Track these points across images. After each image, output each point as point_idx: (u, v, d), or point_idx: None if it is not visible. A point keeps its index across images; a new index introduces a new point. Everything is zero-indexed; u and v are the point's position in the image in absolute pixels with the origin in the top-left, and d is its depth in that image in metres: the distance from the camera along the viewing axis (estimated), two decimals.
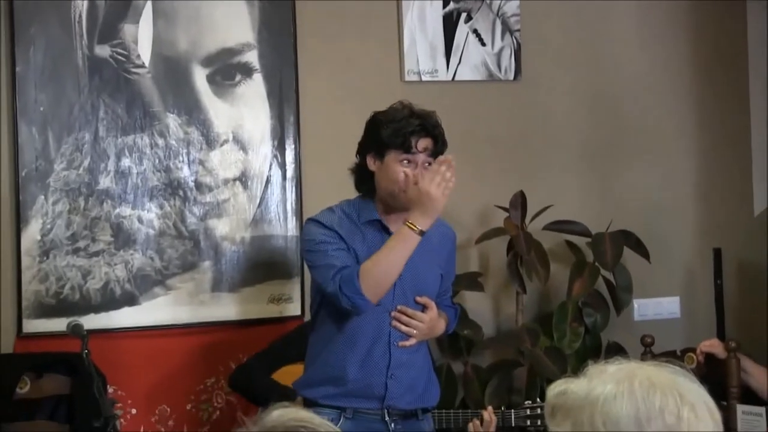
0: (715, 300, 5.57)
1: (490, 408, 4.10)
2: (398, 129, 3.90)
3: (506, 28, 5.48)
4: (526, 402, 4.60)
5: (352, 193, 5.22)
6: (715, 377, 4.50)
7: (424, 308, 3.99)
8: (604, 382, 1.93)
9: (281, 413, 2.03)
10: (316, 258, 3.96)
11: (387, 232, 3.96)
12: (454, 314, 4.27)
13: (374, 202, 4.00)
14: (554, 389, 2.00)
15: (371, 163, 3.96)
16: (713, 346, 4.63)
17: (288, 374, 4.66)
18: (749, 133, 5.88)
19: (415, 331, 3.95)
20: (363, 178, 4.01)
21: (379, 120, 3.98)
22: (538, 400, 4.65)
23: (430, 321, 4.00)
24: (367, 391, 3.94)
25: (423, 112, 3.97)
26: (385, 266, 3.83)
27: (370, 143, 3.98)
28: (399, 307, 3.94)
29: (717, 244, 5.63)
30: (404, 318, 3.95)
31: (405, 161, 3.89)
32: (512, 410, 4.54)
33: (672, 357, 4.47)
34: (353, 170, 4.05)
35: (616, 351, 5.23)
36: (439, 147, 3.93)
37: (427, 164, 3.88)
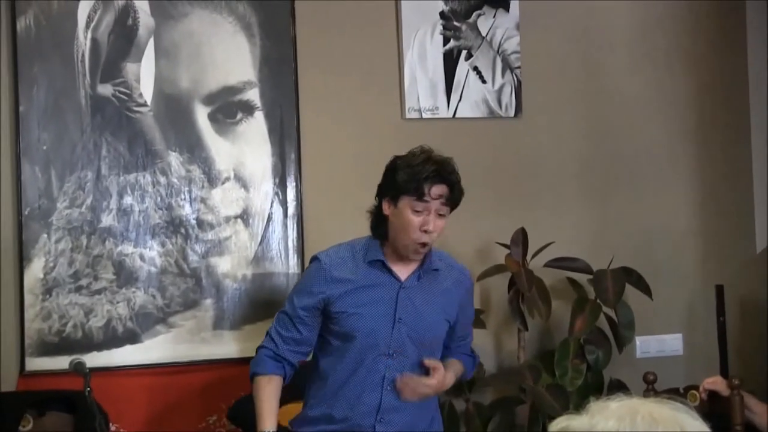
0: (717, 337, 5.56)
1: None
2: (413, 174, 3.88)
3: (506, 66, 5.50)
4: None
5: (352, 230, 5.24)
6: (718, 415, 4.48)
7: (430, 370, 3.97)
8: (606, 419, 1.92)
9: None
10: (287, 304, 4.07)
11: (390, 272, 3.97)
12: (473, 364, 4.28)
13: (384, 245, 3.99)
14: (556, 426, 2.00)
15: (386, 208, 3.94)
16: (716, 383, 4.61)
17: (288, 413, 4.65)
18: (751, 170, 5.88)
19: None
20: (378, 221, 4.00)
21: (397, 164, 3.97)
22: None
23: (437, 384, 3.97)
24: None
25: (440, 158, 3.94)
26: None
27: (386, 187, 3.97)
28: (403, 379, 3.93)
29: (719, 281, 5.62)
30: (408, 388, 3.93)
31: (418, 208, 3.86)
32: None
33: (675, 394, 4.45)
34: (371, 212, 4.05)
35: (619, 388, 5.22)
36: (455, 195, 3.90)
37: (440, 213, 3.87)
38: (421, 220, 3.85)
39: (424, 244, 3.89)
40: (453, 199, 3.89)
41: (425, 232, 3.84)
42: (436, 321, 4.02)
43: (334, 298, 3.99)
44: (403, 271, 3.99)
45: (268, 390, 4.04)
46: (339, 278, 3.99)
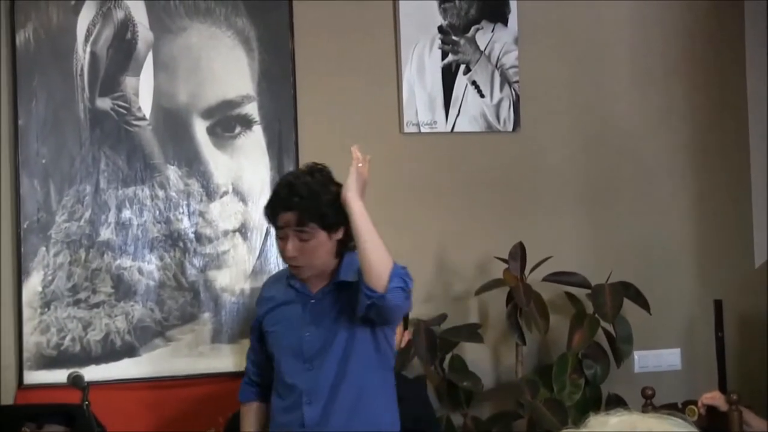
0: (716, 352, 5.55)
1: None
2: (266, 205, 3.98)
3: (505, 80, 5.50)
4: None
5: None
6: (716, 430, 4.47)
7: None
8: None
9: None
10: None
11: (302, 288, 4.01)
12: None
13: None
14: None
15: None
16: (715, 398, 4.61)
17: None
18: (749, 185, 5.89)
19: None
20: None
21: None
22: None
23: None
24: None
25: (285, 182, 3.94)
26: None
27: None
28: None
29: (718, 296, 5.61)
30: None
31: (279, 235, 3.92)
32: None
33: (673, 409, 4.46)
34: None
35: (617, 403, 5.19)
36: (305, 217, 3.83)
37: (298, 238, 3.85)
38: (282, 245, 3.91)
39: (296, 267, 3.92)
40: (305, 222, 3.83)
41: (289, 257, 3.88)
42: (344, 333, 3.94)
43: (262, 317, 4.14)
44: (316, 286, 4.00)
45: (247, 417, 4.28)
46: (266, 297, 4.15)
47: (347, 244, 3.92)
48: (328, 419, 3.91)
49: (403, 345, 4.80)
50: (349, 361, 3.91)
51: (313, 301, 4.00)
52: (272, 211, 3.90)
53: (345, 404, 3.92)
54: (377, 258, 3.72)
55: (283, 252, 3.92)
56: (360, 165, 3.84)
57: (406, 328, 4.80)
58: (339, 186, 3.90)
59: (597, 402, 5.31)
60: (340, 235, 3.90)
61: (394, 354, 4.13)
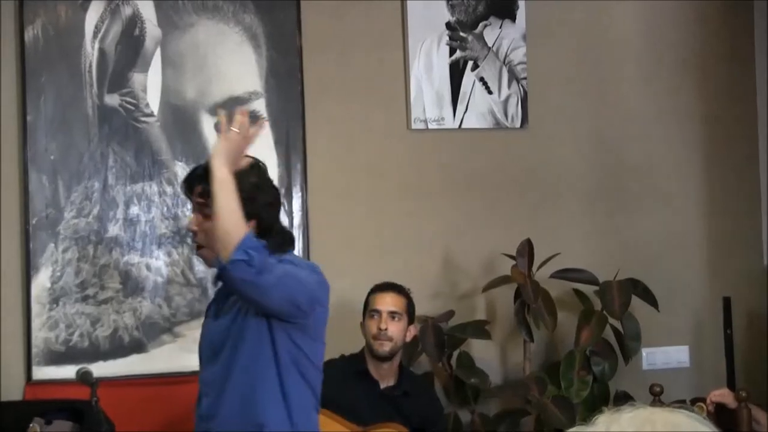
0: (724, 349, 5.54)
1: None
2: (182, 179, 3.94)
3: (513, 76, 5.50)
4: None
5: (358, 240, 5.27)
6: (725, 427, 4.46)
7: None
8: (623, 429, 1.92)
9: None
10: None
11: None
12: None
13: None
14: None
15: None
16: (723, 395, 4.60)
17: None
18: (758, 182, 5.88)
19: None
20: None
21: None
22: None
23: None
24: None
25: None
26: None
27: None
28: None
29: (726, 293, 5.60)
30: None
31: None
32: None
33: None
34: None
35: (625, 400, 5.20)
36: (192, 186, 3.74)
37: (201, 214, 3.70)
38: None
39: (197, 246, 3.81)
40: (205, 195, 3.65)
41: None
42: (238, 323, 3.71)
43: None
44: None
45: None
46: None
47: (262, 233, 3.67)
48: (218, 411, 3.73)
49: (408, 340, 4.81)
50: (238, 354, 3.69)
51: (217, 288, 3.88)
52: (186, 185, 3.80)
53: (234, 398, 3.71)
54: (226, 226, 3.48)
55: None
56: (233, 130, 3.68)
57: (412, 322, 4.81)
58: (257, 176, 3.76)
59: (605, 399, 5.31)
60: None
61: (313, 359, 3.82)
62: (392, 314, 4.73)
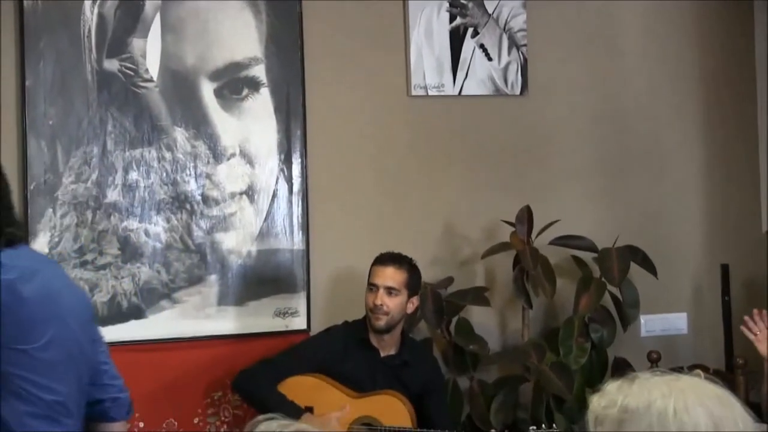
0: (722, 316, 5.56)
1: None
2: None
3: (513, 43, 5.49)
4: (531, 428, 4.60)
5: (357, 207, 5.27)
6: None
7: None
8: (664, 396, 1.94)
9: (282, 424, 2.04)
10: None
11: None
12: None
13: None
14: (601, 402, 2.00)
15: None
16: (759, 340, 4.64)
17: (293, 386, 4.67)
18: (757, 150, 5.87)
19: None
20: None
21: None
22: (543, 426, 4.65)
23: None
24: None
25: None
26: None
27: None
28: None
29: (725, 260, 5.62)
30: None
31: None
32: None
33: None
34: None
35: (623, 367, 5.22)
36: None
37: None
38: None
39: None
40: None
41: None
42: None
43: None
44: None
45: None
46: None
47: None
48: None
49: (409, 312, 4.82)
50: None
51: None
52: None
53: None
54: None
55: None
56: None
57: (415, 294, 4.81)
58: None
59: (603, 366, 5.33)
60: None
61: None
62: (389, 289, 4.72)
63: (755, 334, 4.66)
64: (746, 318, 4.70)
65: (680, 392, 1.93)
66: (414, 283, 4.79)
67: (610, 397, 1.98)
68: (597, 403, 2.00)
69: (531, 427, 4.61)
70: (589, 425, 2.01)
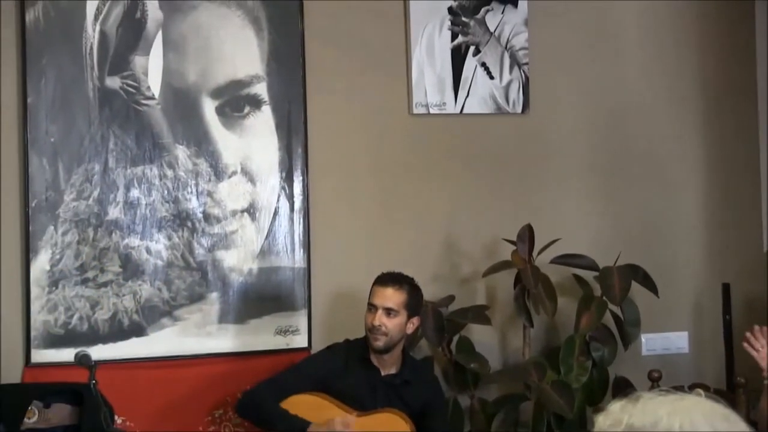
0: (723, 335, 5.55)
1: None
2: None
3: (514, 62, 5.49)
4: None
5: (359, 225, 5.26)
6: None
7: None
8: (670, 414, 1.93)
9: None
10: None
11: None
12: None
13: None
14: (606, 421, 1.99)
15: None
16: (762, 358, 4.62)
17: (294, 405, 4.66)
18: (758, 168, 5.88)
19: None
20: None
21: None
22: None
23: None
24: None
25: None
26: None
27: None
28: None
29: (726, 279, 5.62)
30: None
31: None
32: None
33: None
34: None
35: (624, 385, 5.22)
36: None
37: None
38: None
39: None
40: None
41: None
42: None
43: None
44: None
45: None
46: None
47: None
48: None
49: (409, 332, 4.80)
50: None
51: None
52: None
53: None
54: None
55: None
56: None
57: (416, 314, 4.79)
58: None
59: (604, 384, 5.32)
60: None
61: None
62: (388, 310, 4.71)
63: (757, 350, 4.65)
64: (747, 334, 4.69)
65: (686, 411, 1.92)
66: (414, 304, 4.77)
67: (615, 416, 1.98)
68: (602, 422, 1.99)
69: None
70: None
